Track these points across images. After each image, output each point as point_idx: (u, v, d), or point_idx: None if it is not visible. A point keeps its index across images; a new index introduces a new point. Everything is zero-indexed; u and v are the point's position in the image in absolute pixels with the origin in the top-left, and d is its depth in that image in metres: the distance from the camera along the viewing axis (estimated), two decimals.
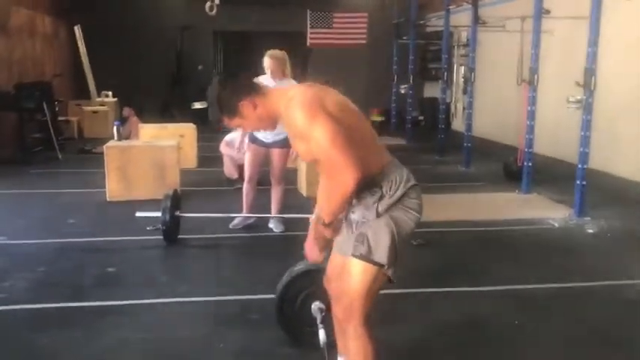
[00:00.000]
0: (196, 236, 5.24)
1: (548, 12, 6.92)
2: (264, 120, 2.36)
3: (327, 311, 2.89)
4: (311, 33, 13.09)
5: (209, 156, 8.82)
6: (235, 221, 5.49)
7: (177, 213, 5.13)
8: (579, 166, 6.02)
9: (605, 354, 3.27)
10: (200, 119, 12.56)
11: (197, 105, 14.20)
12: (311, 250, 2.57)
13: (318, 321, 2.96)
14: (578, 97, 5.93)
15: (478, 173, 8.51)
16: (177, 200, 5.19)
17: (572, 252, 5.02)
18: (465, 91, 12.26)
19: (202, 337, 3.38)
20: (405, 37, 11.82)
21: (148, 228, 5.23)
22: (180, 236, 5.16)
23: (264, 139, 5.30)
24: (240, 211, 5.54)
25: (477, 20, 8.53)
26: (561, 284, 4.23)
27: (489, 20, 8.87)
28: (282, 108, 2.27)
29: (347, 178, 2.11)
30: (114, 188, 6.56)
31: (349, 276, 2.31)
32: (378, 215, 2.29)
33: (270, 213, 5.52)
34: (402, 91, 11.46)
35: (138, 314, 3.69)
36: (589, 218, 5.90)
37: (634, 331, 3.57)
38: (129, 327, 3.48)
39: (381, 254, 2.28)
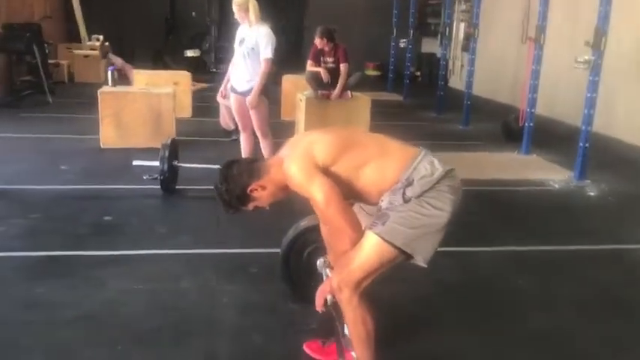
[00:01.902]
0: (194, 187, 5.12)
1: None
2: (277, 193, 2.35)
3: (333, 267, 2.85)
4: None
5: (204, 105, 8.63)
6: None
7: (176, 163, 5.01)
8: (583, 128, 5.94)
9: (613, 317, 3.25)
10: (194, 68, 12.35)
11: (190, 53, 13.90)
12: (320, 299, 2.43)
13: (324, 277, 2.88)
14: (587, 58, 5.79)
15: (477, 132, 8.41)
16: (175, 150, 5.06)
17: (574, 214, 4.99)
18: (464, 48, 12.07)
19: (205, 290, 3.32)
20: None
21: (144, 177, 5.11)
22: (177, 186, 5.06)
23: (236, 87, 5.13)
24: None
25: None
26: (564, 246, 4.20)
27: None
28: (281, 172, 2.29)
29: (345, 239, 2.21)
30: (108, 135, 6.40)
31: (359, 247, 2.21)
32: (406, 200, 2.19)
33: None
34: (402, 46, 11.23)
35: (138, 265, 3.61)
36: (589, 181, 5.86)
37: None
38: (129, 278, 3.40)
39: (399, 237, 2.18)
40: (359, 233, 2.19)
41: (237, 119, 5.33)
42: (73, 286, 3.29)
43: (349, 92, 6.81)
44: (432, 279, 3.51)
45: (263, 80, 4.98)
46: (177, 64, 12.24)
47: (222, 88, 5.33)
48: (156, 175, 5.03)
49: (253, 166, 2.35)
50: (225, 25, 14.86)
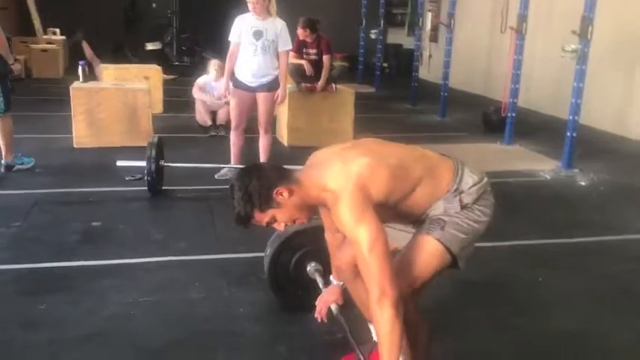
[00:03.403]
0: (182, 187, 4.88)
1: None
2: (301, 209, 2.07)
3: (326, 272, 2.72)
4: None
5: (175, 100, 8.33)
6: (222, 171, 5.13)
7: (162, 162, 4.75)
8: (570, 117, 5.94)
9: (634, 310, 3.20)
10: (155, 60, 11.96)
11: (150, 46, 13.47)
12: (323, 309, 2.51)
13: (320, 284, 2.73)
14: (574, 47, 5.77)
15: (455, 123, 8.36)
16: (161, 149, 4.80)
17: (572, 205, 4.96)
18: (432, 39, 12.03)
19: (218, 300, 3.11)
20: None
21: (127, 178, 4.88)
22: (163, 187, 4.80)
23: (248, 83, 4.93)
24: (226, 160, 5.19)
25: None
26: (570, 239, 4.15)
27: None
28: (321, 196, 2.03)
29: (374, 287, 1.89)
30: (81, 134, 6.06)
31: (418, 251, 2.08)
32: (463, 207, 2.09)
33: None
34: (373, 36, 11.08)
35: (139, 274, 3.36)
36: (577, 170, 5.86)
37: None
38: (132, 289, 3.16)
39: (456, 243, 2.09)
40: (392, 286, 1.89)
41: (235, 116, 5.05)
42: (73, 301, 3.03)
43: (334, 85, 6.63)
44: (450, 277, 3.39)
45: (286, 72, 5.04)
46: (138, 57, 11.82)
47: (224, 85, 5.01)
48: (139, 176, 4.81)
49: (284, 170, 2.11)
50: (187, 16, 14.53)
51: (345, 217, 1.93)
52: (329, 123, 6.57)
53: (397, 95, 10.45)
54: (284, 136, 6.60)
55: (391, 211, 2.07)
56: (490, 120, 7.71)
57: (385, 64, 14.04)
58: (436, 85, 10.69)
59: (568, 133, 5.92)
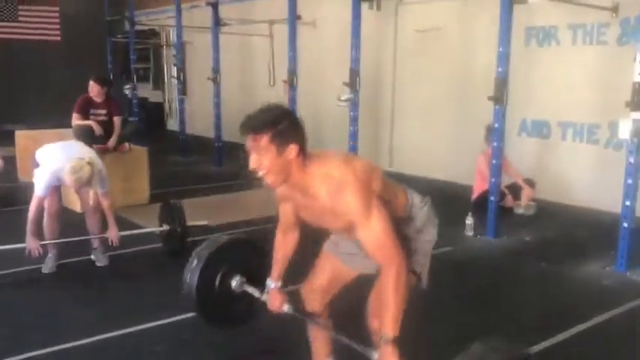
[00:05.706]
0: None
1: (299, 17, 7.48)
2: (285, 173, 2.15)
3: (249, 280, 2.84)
4: None
5: None
6: (47, 267, 4.46)
7: None
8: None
9: (477, 311, 3.86)
10: None
11: None
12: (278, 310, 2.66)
13: (257, 294, 2.79)
14: (347, 96, 6.60)
15: (232, 171, 8.65)
16: None
17: None
18: (182, 92, 12.22)
19: None
20: (119, 35, 11.22)
21: None
22: None
23: None
24: (21, 236, 4.29)
25: (218, 22, 8.64)
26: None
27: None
28: (316, 183, 2.18)
29: (398, 267, 2.14)
30: None
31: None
32: (417, 231, 2.41)
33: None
34: (127, 92, 10.85)
35: None
36: None
37: (486, 286, 4.29)
38: None
39: (416, 265, 2.42)
40: (400, 255, 2.15)
41: (51, 197, 4.35)
42: None
43: (127, 144, 6.44)
44: None
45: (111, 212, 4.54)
46: None
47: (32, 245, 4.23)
48: None
49: (307, 142, 2.18)
50: None
51: (353, 203, 2.11)
52: (123, 182, 6.33)
53: (161, 148, 10.31)
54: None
55: None
56: None
57: (132, 119, 13.79)
58: (191, 136, 10.90)
59: None
